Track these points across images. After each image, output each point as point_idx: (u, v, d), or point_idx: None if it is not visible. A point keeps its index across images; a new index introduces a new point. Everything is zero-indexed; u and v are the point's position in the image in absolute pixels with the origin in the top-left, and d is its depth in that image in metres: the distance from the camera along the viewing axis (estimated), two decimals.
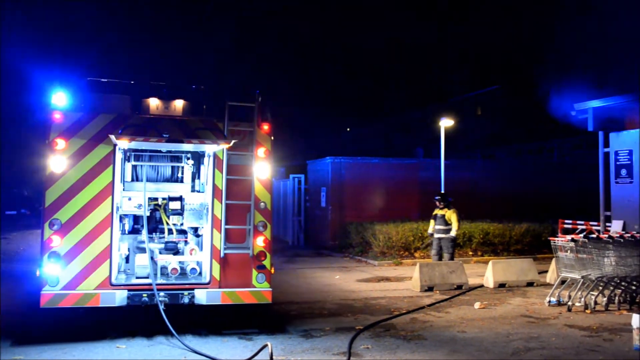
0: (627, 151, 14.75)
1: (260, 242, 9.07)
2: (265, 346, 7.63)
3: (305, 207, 24.49)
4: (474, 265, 17.57)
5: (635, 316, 8.29)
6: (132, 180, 9.46)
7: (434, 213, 15.07)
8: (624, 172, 14.83)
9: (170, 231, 9.31)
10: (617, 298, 11.18)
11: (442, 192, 15.17)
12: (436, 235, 14.89)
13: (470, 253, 19.19)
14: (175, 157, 9.61)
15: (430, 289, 13.08)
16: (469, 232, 19.29)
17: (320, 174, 23.18)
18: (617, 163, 15.01)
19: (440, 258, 14.71)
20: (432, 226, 15.08)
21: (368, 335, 9.11)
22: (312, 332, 9.27)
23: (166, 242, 9.26)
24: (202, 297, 8.80)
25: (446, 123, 19.49)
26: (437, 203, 15.06)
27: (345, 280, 14.85)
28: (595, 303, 10.94)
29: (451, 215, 14.75)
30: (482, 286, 13.73)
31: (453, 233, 14.69)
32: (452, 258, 14.60)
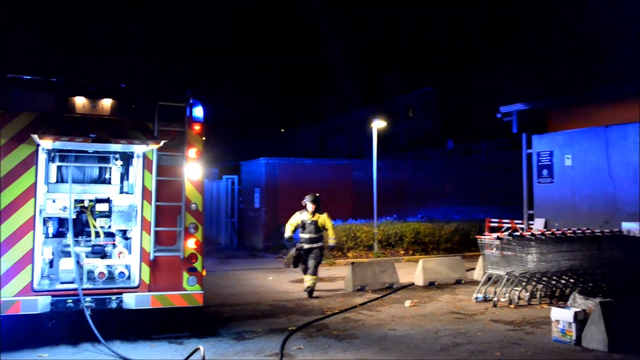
0: (548, 152, 15.44)
1: (191, 244, 8.94)
2: (196, 350, 7.52)
3: (239, 208, 24.31)
4: (405, 264, 17.93)
5: (554, 309, 8.68)
6: (57, 181, 9.12)
7: (299, 220, 12.60)
8: (545, 172, 15.53)
9: (97, 234, 9.04)
10: (538, 293, 11.68)
11: (316, 194, 12.70)
12: (306, 246, 12.50)
13: (402, 252, 19.58)
14: (103, 158, 9.34)
15: (362, 288, 13.26)
16: (401, 232, 19.70)
17: (254, 175, 23.07)
18: (539, 164, 15.70)
19: (305, 271, 12.62)
20: (291, 232, 12.74)
21: (301, 335, 9.15)
22: (244, 334, 9.22)
23: (93, 246, 8.99)
24: (130, 301, 8.58)
25: (378, 124, 19.80)
26: (308, 206, 12.63)
27: (279, 281, 14.84)
28: (519, 298, 11.39)
29: (326, 220, 12.69)
30: (412, 284, 14.03)
31: (333, 242, 13.00)
32: (317, 270, 12.63)
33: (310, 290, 12.51)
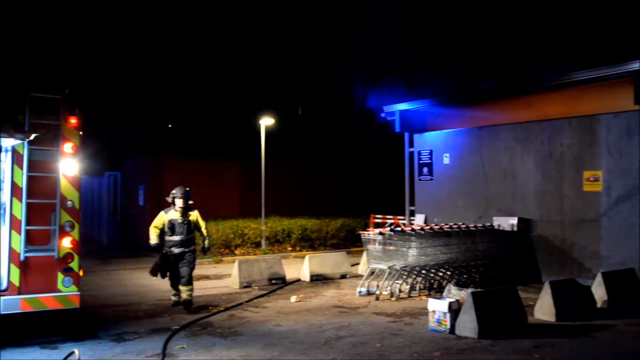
0: (428, 151, 16.17)
1: (66, 243, 8.50)
2: (71, 353, 7.15)
3: (122, 206, 23.38)
4: (292, 260, 18.09)
5: (430, 300, 9.12)
6: None
7: (166, 220, 10.71)
8: (425, 170, 16.25)
9: None
10: (418, 285, 12.21)
11: (187, 187, 10.86)
12: (177, 251, 10.64)
13: (289, 248, 19.75)
14: None
15: (249, 285, 13.24)
16: (288, 229, 19.84)
17: (139, 172, 22.31)
18: (420, 162, 16.41)
19: (177, 284, 10.74)
20: (156, 237, 10.79)
21: (184, 335, 8.98)
22: (125, 335, 8.91)
23: None
24: None
25: (266, 122, 19.80)
26: (177, 202, 10.69)
27: (163, 280, 14.39)
28: (400, 291, 11.86)
29: (199, 219, 10.89)
30: (299, 280, 14.19)
31: (208, 242, 11.06)
32: (192, 278, 10.79)
33: (188, 303, 10.55)
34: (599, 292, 10.59)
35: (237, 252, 18.75)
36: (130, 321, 9.88)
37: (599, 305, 10.42)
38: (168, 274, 10.80)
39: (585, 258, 12.80)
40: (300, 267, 14.94)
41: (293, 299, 11.75)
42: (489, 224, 13.83)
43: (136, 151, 25.74)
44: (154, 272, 10.76)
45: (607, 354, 7.92)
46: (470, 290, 9.13)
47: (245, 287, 13.14)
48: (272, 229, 19.74)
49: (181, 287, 10.70)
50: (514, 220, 13.78)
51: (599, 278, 10.71)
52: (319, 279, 14.16)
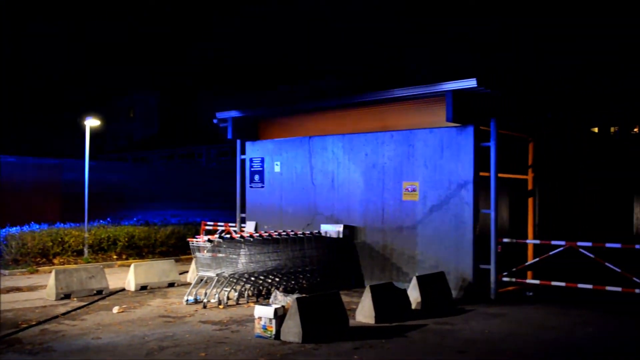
0: (260, 159, 16.34)
1: None
2: None
3: None
4: (118, 269, 17.25)
5: (256, 307, 9.18)
6: None
7: None
8: (257, 177, 16.39)
9: None
10: (247, 292, 12.24)
11: None
12: None
13: (115, 257, 18.80)
14: None
15: (67, 296, 12.37)
16: (114, 236, 18.89)
17: None
18: (252, 169, 16.51)
19: None
20: None
21: None
22: None
23: None
24: None
25: (92, 123, 18.72)
26: None
27: None
28: (228, 298, 11.80)
29: None
30: (124, 290, 13.56)
31: None
32: None
33: None
34: (413, 294, 11.38)
35: (55, 261, 17.44)
36: None
37: (413, 306, 11.20)
38: None
39: (403, 263, 13.69)
40: (126, 275, 14.28)
41: (115, 309, 11.19)
42: (317, 231, 14.29)
43: None
44: None
45: (418, 352, 8.52)
46: (295, 296, 9.34)
47: (62, 298, 12.27)
48: (96, 236, 18.66)
49: None
50: (340, 228, 14.36)
51: (414, 281, 11.51)
52: (145, 288, 13.63)
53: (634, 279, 11.46)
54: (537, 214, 14.95)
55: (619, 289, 11.58)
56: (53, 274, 12.50)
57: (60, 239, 17.66)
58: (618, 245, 12.01)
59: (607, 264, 11.75)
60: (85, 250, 18.03)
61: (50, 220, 19.64)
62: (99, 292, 12.91)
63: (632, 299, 12.01)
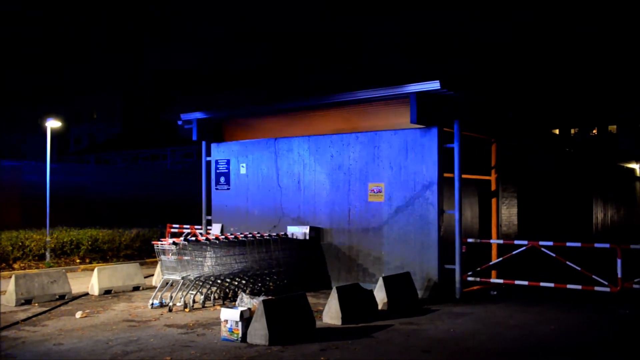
0: (226, 160, 16.24)
1: None
2: None
3: None
4: (81, 274, 16.95)
5: (223, 310, 9.13)
6: None
7: None
8: (222, 179, 16.28)
9: None
10: (213, 295, 12.16)
11: None
12: None
13: (78, 261, 18.47)
14: None
15: (28, 302, 12.11)
16: (77, 239, 18.56)
17: None
18: (217, 171, 16.40)
19: None
20: None
21: None
22: None
23: None
24: None
25: (53, 124, 18.36)
26: None
27: None
28: (194, 302, 11.69)
29: None
30: (87, 294, 13.33)
31: None
32: None
33: None
34: (380, 295, 11.45)
35: (16, 266, 17.06)
36: None
37: (380, 307, 11.27)
38: None
39: (369, 264, 13.77)
40: (90, 280, 14.04)
41: (78, 314, 10.99)
42: (283, 233, 14.26)
43: None
44: None
45: (384, 352, 8.58)
46: (262, 298, 9.31)
47: (23, 304, 11.99)
48: (58, 240, 18.30)
49: None
50: (306, 229, 14.36)
51: (380, 282, 11.58)
52: (109, 292, 13.42)
53: (593, 276, 11.76)
54: (500, 214, 15.20)
55: (579, 286, 11.87)
56: (13, 279, 12.22)
57: (20, 243, 17.29)
58: (578, 245, 12.32)
59: (568, 262, 12.03)
60: (47, 255, 17.67)
61: (8, 224, 19.19)
62: (62, 297, 12.66)
63: (591, 296, 12.32)
